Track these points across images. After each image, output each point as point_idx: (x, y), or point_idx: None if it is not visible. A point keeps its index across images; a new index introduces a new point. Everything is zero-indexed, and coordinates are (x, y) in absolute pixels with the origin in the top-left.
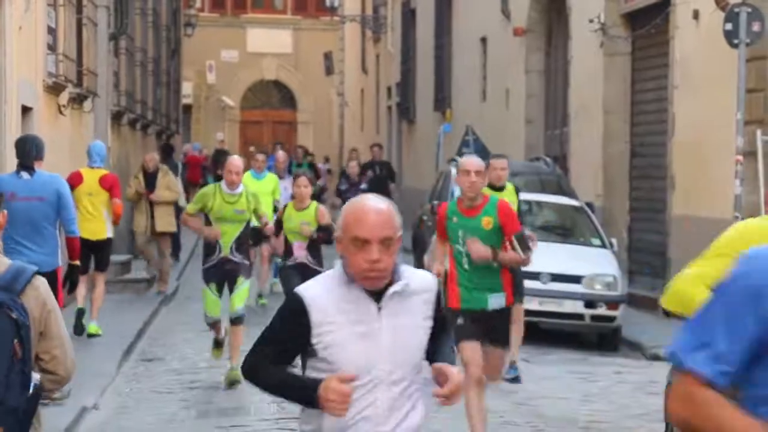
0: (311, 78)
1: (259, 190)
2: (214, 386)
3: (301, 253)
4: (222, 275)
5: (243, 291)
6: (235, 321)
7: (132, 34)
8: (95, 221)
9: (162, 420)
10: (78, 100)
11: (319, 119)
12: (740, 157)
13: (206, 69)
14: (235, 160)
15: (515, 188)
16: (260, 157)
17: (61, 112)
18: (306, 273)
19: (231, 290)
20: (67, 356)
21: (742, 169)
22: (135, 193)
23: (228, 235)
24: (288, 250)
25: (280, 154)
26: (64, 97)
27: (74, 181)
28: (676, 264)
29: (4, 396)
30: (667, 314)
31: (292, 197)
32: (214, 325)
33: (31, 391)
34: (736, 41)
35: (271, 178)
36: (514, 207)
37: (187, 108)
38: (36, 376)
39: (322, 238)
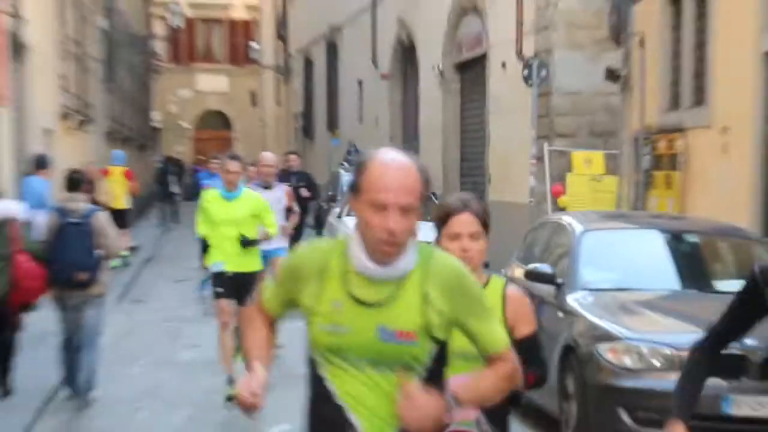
0: (242, 108)
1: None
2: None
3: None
4: None
5: None
6: None
7: (118, 79)
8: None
9: None
10: (82, 124)
11: (248, 137)
12: (534, 161)
13: (168, 102)
14: (390, 164)
15: None
16: (233, 166)
17: (70, 133)
18: None
19: None
20: (113, 244)
21: (536, 170)
22: None
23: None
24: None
25: (268, 155)
26: (72, 122)
27: (105, 173)
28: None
29: (86, 261)
30: None
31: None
32: None
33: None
34: (530, 82)
35: (251, 199)
36: None
37: (156, 130)
38: (100, 251)
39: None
